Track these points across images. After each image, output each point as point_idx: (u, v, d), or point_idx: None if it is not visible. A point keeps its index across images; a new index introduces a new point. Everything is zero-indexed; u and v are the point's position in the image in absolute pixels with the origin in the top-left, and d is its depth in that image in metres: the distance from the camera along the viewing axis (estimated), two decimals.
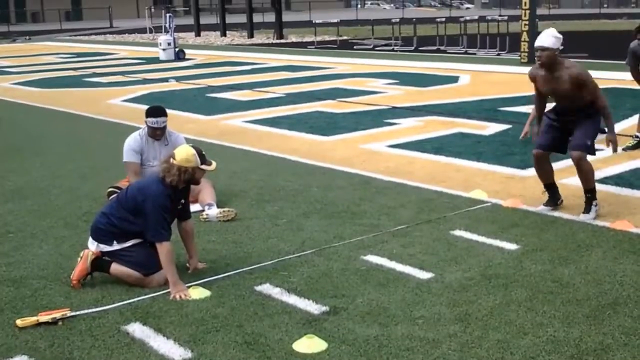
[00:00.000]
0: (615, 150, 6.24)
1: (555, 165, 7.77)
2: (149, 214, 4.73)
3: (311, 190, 7.15)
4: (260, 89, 15.15)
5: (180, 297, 4.60)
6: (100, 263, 4.88)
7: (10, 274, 5.12)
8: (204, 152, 4.93)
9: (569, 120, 6.13)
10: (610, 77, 14.72)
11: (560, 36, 6.05)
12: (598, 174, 7.40)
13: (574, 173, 7.43)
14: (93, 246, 4.91)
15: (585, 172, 6.13)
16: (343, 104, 12.73)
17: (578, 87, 5.96)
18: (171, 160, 4.81)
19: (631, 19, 43.12)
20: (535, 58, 6.08)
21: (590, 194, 6.15)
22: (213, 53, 25.99)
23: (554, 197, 6.35)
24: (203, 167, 4.87)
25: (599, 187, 6.95)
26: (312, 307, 4.43)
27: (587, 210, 6.11)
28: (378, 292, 4.63)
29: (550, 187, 6.36)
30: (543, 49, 5.95)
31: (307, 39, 32.24)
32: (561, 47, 6.01)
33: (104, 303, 4.56)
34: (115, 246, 4.86)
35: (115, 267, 4.86)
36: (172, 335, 4.12)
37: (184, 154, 4.82)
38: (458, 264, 5.09)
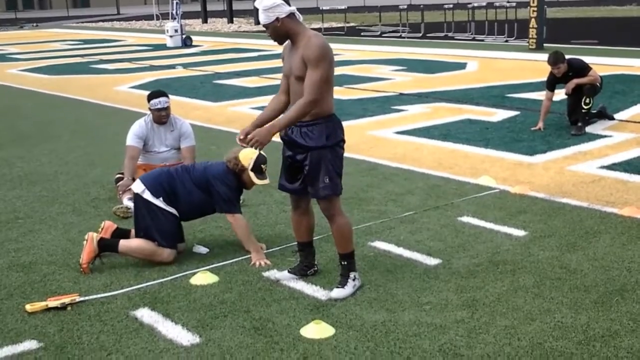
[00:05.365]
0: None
1: (561, 152, 7.80)
2: (219, 191, 4.99)
3: None
4: (267, 76, 15.12)
5: (260, 264, 4.86)
6: (107, 243, 4.92)
7: (20, 259, 5.15)
8: (264, 167, 5.14)
9: None
10: (619, 64, 14.62)
11: None
12: (606, 160, 7.40)
13: (580, 160, 7.45)
14: (139, 188, 4.98)
15: None
16: (350, 91, 12.70)
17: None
18: (239, 150, 5.05)
19: None
20: None
21: None
22: (220, 40, 25.95)
23: None
24: (251, 174, 5.08)
25: (607, 173, 6.95)
26: (320, 293, 4.44)
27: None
28: (385, 278, 4.63)
29: None
30: None
31: (314, 25, 32.12)
32: None
33: (112, 288, 4.59)
34: (159, 202, 4.93)
35: (124, 244, 4.90)
36: (180, 320, 4.14)
37: (247, 152, 5.01)
38: (466, 250, 5.08)
